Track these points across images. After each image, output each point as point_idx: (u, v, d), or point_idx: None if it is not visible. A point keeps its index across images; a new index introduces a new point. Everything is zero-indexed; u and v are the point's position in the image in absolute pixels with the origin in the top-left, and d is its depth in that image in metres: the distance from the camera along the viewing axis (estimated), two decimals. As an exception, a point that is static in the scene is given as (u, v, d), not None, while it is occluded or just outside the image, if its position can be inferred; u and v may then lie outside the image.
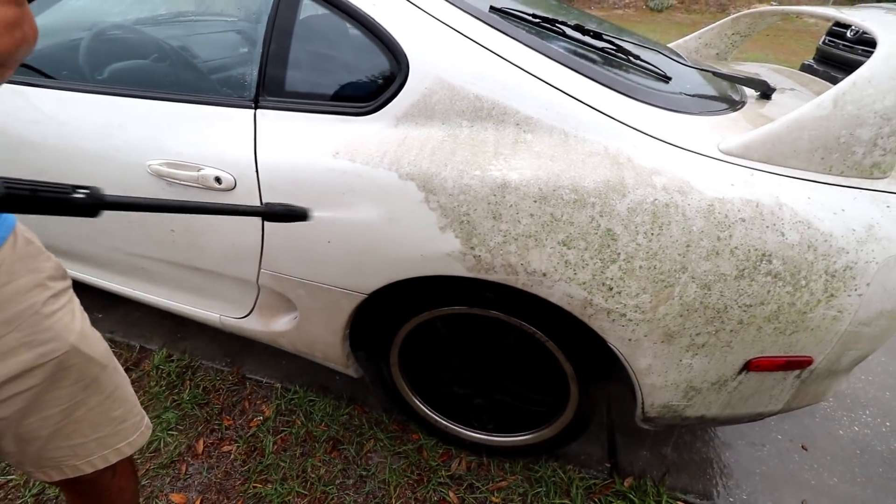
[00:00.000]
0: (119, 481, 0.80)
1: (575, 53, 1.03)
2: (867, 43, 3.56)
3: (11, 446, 0.67)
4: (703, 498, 1.32)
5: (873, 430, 1.53)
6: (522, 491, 1.30)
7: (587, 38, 1.14)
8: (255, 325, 1.33)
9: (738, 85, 1.26)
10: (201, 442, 1.39)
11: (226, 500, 1.26)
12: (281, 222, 0.80)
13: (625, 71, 1.06)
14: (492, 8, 1.08)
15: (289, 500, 1.26)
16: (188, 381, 1.57)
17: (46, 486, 1.25)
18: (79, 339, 0.66)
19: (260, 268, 1.17)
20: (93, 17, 1.40)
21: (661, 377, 0.99)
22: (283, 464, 1.34)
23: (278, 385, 1.57)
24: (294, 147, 1.03)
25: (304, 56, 1.08)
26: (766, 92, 1.19)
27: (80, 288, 1.51)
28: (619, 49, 1.14)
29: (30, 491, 1.25)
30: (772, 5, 10.73)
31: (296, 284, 1.16)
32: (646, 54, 1.20)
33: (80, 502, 0.82)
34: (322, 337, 1.25)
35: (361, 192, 0.98)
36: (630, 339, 0.94)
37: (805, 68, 3.99)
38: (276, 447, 1.38)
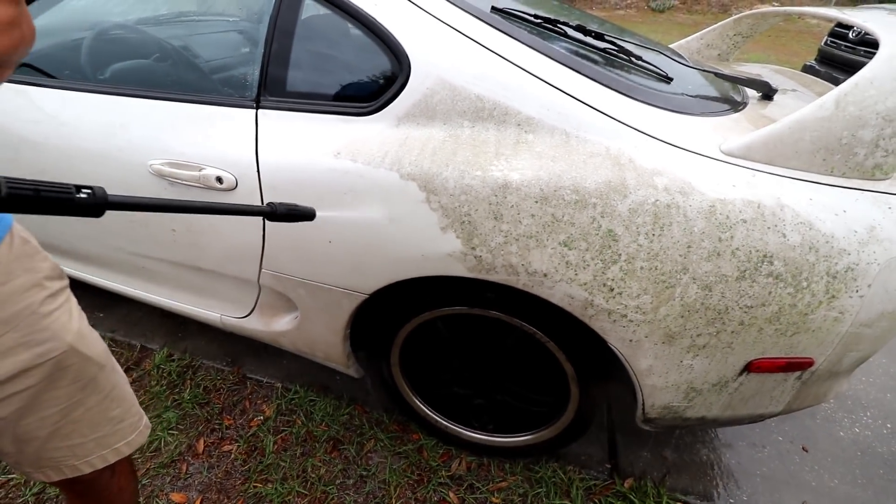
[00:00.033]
0: (118, 481, 0.80)
1: (576, 54, 1.03)
2: (869, 44, 3.56)
3: (9, 447, 0.66)
4: (703, 499, 1.31)
5: (874, 432, 1.53)
6: (522, 491, 1.30)
7: (589, 39, 1.14)
8: (255, 325, 1.33)
9: (739, 86, 1.26)
10: (202, 441, 1.39)
11: (226, 500, 1.26)
12: (285, 222, 0.80)
13: (626, 72, 1.06)
14: (493, 8, 1.08)
15: (289, 499, 1.26)
16: (189, 381, 1.57)
17: (47, 484, 1.25)
18: (76, 339, 0.65)
19: (261, 268, 1.17)
20: (95, 17, 1.40)
21: (662, 378, 0.98)
22: (283, 463, 1.34)
23: (279, 385, 1.57)
24: (295, 147, 1.03)
25: (305, 56, 1.09)
26: (767, 93, 1.19)
27: (82, 287, 1.52)
28: (621, 50, 1.14)
29: (30, 490, 1.25)
30: (774, 6, 10.72)
31: (297, 284, 1.16)
32: (647, 55, 1.20)
33: (80, 502, 0.82)
34: (323, 337, 1.25)
35: (363, 192, 0.98)
36: (631, 340, 0.94)
37: (807, 69, 3.99)
38: (276, 447, 1.38)
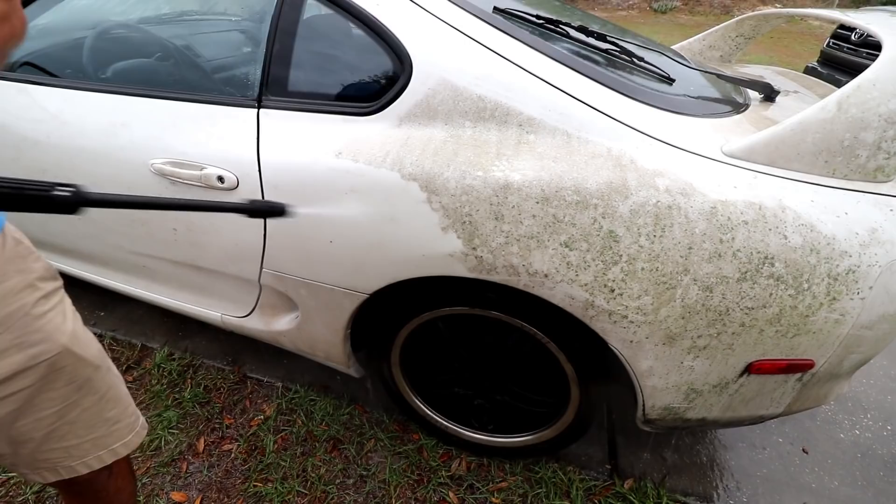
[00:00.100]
0: (116, 481, 0.80)
1: (578, 55, 1.03)
2: (872, 46, 3.55)
3: (5, 448, 0.66)
4: (703, 500, 1.31)
5: (874, 434, 1.52)
6: (522, 492, 1.30)
7: (590, 40, 1.14)
8: (256, 325, 1.33)
9: (741, 87, 1.26)
10: (202, 440, 1.39)
11: (226, 499, 1.26)
12: (262, 218, 0.80)
13: (628, 73, 1.06)
14: (495, 9, 1.08)
15: (289, 499, 1.26)
16: (189, 380, 1.57)
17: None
18: (71, 340, 0.65)
19: (262, 267, 1.17)
20: (96, 16, 1.41)
21: (663, 379, 0.98)
22: (283, 463, 1.34)
23: (279, 384, 1.57)
24: (297, 146, 1.03)
25: (307, 56, 1.09)
26: (769, 94, 1.19)
27: (83, 286, 1.53)
28: (623, 50, 1.14)
29: (31, 489, 1.25)
30: (776, 7, 10.72)
31: (297, 284, 1.16)
32: (649, 56, 1.20)
33: (77, 502, 0.82)
34: (323, 336, 1.26)
35: (364, 192, 0.98)
36: (631, 341, 0.94)
37: (809, 71, 3.99)
38: (276, 446, 1.38)
